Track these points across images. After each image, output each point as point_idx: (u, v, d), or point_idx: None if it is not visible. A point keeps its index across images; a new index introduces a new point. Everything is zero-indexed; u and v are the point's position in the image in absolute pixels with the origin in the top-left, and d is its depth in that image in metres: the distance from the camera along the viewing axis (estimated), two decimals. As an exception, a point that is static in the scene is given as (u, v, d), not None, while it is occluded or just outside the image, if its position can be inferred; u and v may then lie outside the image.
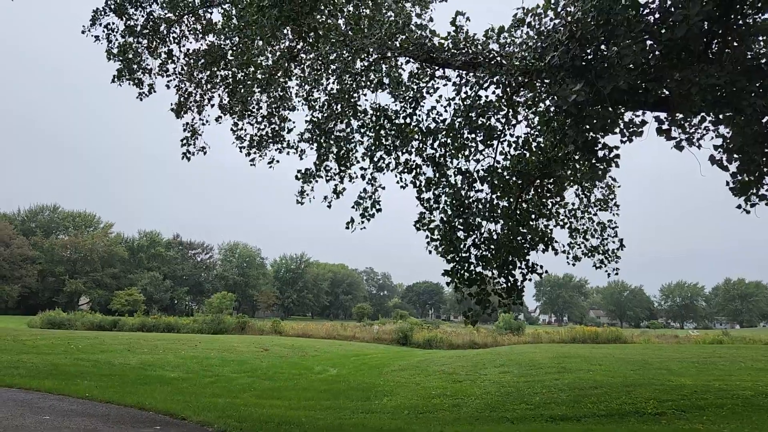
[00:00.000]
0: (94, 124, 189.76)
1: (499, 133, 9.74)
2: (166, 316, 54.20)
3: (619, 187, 10.47)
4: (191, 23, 14.57)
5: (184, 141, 13.83)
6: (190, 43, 14.65)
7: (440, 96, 10.59)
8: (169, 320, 45.35)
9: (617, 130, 8.46)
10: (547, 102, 9.16)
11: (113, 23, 13.70)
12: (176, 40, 14.46)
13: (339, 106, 12.17)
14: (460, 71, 10.44)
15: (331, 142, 12.14)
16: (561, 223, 10.58)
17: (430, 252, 9.73)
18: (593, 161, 8.73)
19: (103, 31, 13.64)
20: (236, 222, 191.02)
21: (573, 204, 10.62)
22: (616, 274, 10.78)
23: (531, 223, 9.69)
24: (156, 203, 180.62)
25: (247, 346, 24.33)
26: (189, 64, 14.42)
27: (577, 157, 9.13)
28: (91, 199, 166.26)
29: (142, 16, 13.85)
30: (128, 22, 13.81)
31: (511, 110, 9.80)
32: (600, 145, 8.80)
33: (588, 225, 10.72)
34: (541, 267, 9.46)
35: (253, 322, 46.17)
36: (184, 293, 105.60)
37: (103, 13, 13.50)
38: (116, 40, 13.80)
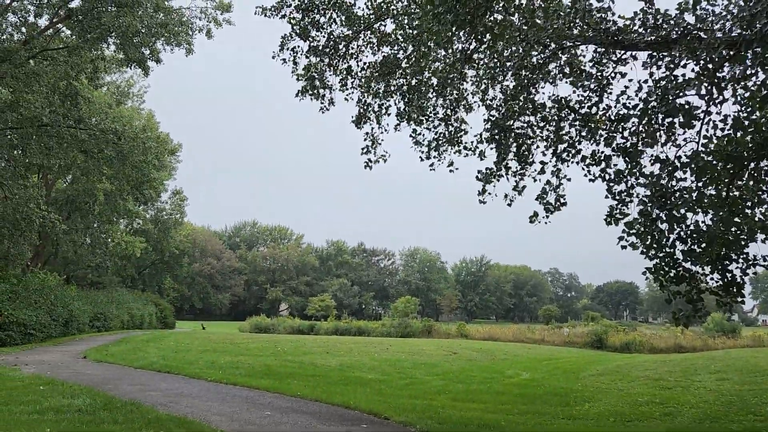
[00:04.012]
0: (281, 142, 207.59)
1: (701, 114, 8.80)
2: (356, 320, 57.36)
3: None
4: (367, 37, 15.23)
5: (365, 149, 14.49)
6: (366, 57, 15.33)
7: (629, 80, 9.87)
8: (359, 324, 47.88)
9: None
10: (761, 75, 8.09)
11: (298, 46, 14.83)
12: (354, 56, 15.22)
13: (517, 102, 11.91)
14: (651, 51, 9.65)
15: (511, 140, 11.89)
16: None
17: (624, 248, 9.08)
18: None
19: (290, 54, 14.81)
20: (414, 228, 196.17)
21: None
22: None
23: (747, 211, 8.58)
24: (337, 214, 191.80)
25: (436, 350, 24.75)
26: (366, 76, 15.10)
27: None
28: (281, 213, 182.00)
29: (324, 37, 14.78)
30: (311, 44, 14.84)
31: (714, 87, 8.80)
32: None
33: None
34: (766, 258, 8.35)
35: (438, 326, 46.95)
36: (370, 298, 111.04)
37: (289, 38, 14.64)
38: (301, 61, 14.92)
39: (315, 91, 14.71)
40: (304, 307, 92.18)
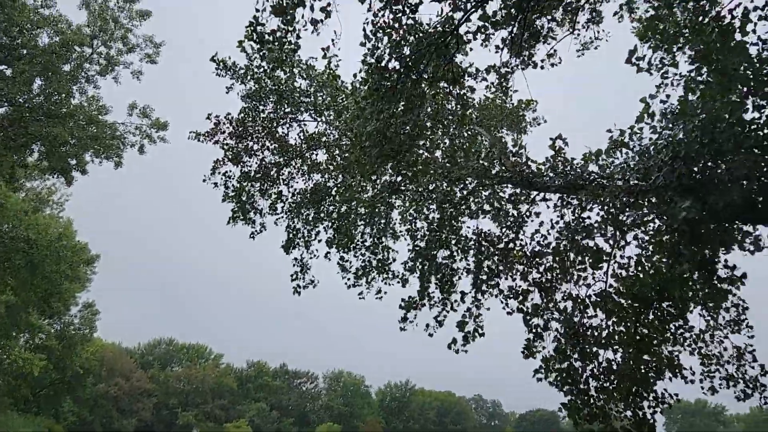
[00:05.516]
0: (204, 257, 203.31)
1: (608, 255, 9.44)
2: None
3: (747, 309, 9.56)
4: (298, 164, 15.70)
5: (294, 276, 14.44)
6: (297, 182, 15.71)
7: (542, 221, 10.55)
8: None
9: (737, 246, 8.03)
10: (657, 221, 8.88)
11: (230, 171, 15.07)
12: (285, 182, 15.57)
13: (440, 234, 12.39)
14: (561, 194, 10.44)
15: (433, 270, 12.22)
16: (688, 348, 9.75)
17: (539, 380, 9.27)
18: (714, 281, 8.24)
19: (222, 178, 15.00)
20: (339, 349, 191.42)
21: (699, 327, 9.82)
22: (766, 404, 9.55)
23: (654, 349, 9.01)
24: (260, 333, 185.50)
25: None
26: (297, 202, 15.40)
27: (696, 277, 8.61)
28: (200, 330, 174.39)
29: (256, 163, 15.14)
30: (243, 169, 15.12)
31: (618, 231, 9.54)
32: (720, 264, 8.35)
33: (720, 350, 9.79)
34: (673, 396, 8.68)
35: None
36: (290, 424, 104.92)
37: (222, 162, 14.92)
38: (232, 185, 15.09)
39: (246, 217, 14.80)
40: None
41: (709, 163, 7.52)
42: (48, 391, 62.12)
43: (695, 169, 7.58)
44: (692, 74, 8.14)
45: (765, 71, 7.07)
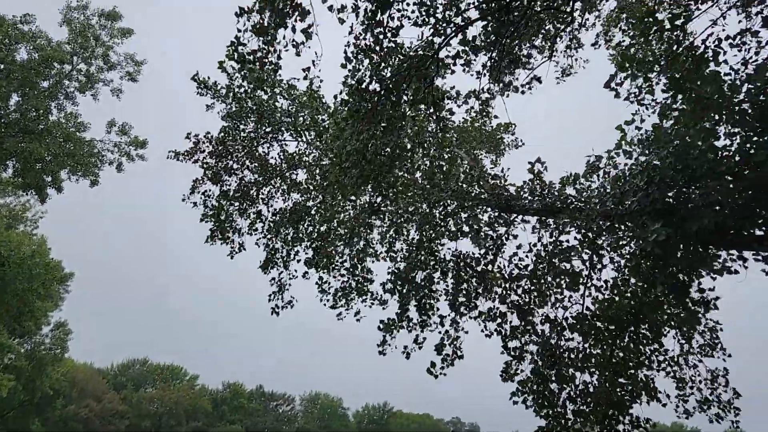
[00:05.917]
0: (180, 275, 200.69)
1: (584, 278, 9.51)
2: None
3: (721, 330, 9.66)
4: (278, 184, 15.62)
5: (272, 296, 14.27)
6: (277, 202, 15.60)
7: (520, 244, 10.60)
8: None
9: (708, 270, 8.12)
10: (632, 245, 8.98)
11: (209, 190, 14.93)
12: (264, 201, 15.47)
13: (420, 255, 12.37)
14: (539, 217, 10.52)
15: (412, 292, 12.17)
16: (663, 371, 9.80)
17: (515, 403, 9.25)
18: (687, 304, 8.33)
19: (201, 198, 14.85)
20: (317, 369, 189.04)
21: (673, 350, 9.89)
22: (737, 428, 9.61)
23: (630, 372, 9.06)
24: (237, 353, 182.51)
25: None
26: (276, 222, 15.28)
27: (671, 300, 8.70)
28: (176, 350, 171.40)
29: (235, 182, 15.03)
30: (222, 188, 15.00)
31: (594, 254, 9.62)
32: (693, 287, 8.44)
33: (695, 373, 9.85)
34: (648, 421, 8.70)
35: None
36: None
37: (201, 182, 14.78)
38: (211, 204, 14.94)
39: (224, 236, 14.63)
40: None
41: (683, 189, 7.64)
42: (16, 412, 60.19)
43: (669, 194, 7.70)
44: (667, 101, 8.32)
45: (736, 99, 7.25)
